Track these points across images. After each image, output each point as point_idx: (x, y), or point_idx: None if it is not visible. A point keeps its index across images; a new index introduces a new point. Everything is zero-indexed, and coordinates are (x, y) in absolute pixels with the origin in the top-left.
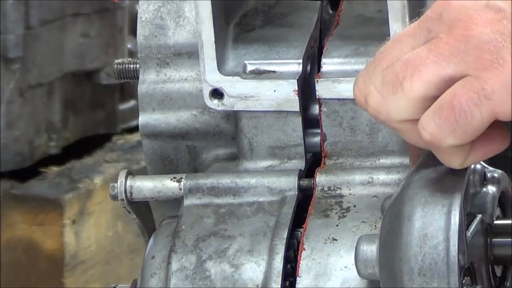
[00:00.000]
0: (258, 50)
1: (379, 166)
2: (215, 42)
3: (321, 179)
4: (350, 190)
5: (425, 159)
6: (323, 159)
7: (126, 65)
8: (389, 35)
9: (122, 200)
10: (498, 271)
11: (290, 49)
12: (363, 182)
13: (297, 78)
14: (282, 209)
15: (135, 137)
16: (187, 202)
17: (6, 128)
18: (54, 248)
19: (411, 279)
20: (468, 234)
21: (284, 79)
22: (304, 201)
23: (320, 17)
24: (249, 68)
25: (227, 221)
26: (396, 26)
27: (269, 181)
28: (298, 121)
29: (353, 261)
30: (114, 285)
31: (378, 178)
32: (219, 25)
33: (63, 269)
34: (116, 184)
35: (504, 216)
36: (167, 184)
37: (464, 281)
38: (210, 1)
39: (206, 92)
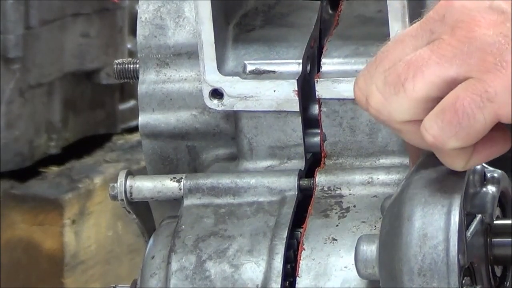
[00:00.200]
0: (258, 50)
1: (379, 166)
2: (215, 42)
3: (321, 179)
4: (350, 190)
5: (425, 159)
6: (323, 159)
7: (126, 65)
8: (389, 35)
9: (122, 200)
10: (498, 271)
11: (290, 49)
12: (363, 182)
13: (297, 78)
14: (282, 209)
15: (135, 137)
16: (187, 202)
17: (6, 128)
18: (54, 248)
19: (411, 279)
20: (468, 234)
21: (284, 79)
22: (304, 201)
23: (320, 17)
24: (249, 68)
25: (227, 221)
26: (396, 26)
27: (269, 181)
28: (298, 121)
29: (353, 261)
30: (114, 285)
31: (378, 178)
32: (219, 25)
33: (63, 269)
34: (116, 184)
35: (504, 216)
36: (167, 184)
37: (464, 281)
38: (210, 1)
39: (206, 92)
